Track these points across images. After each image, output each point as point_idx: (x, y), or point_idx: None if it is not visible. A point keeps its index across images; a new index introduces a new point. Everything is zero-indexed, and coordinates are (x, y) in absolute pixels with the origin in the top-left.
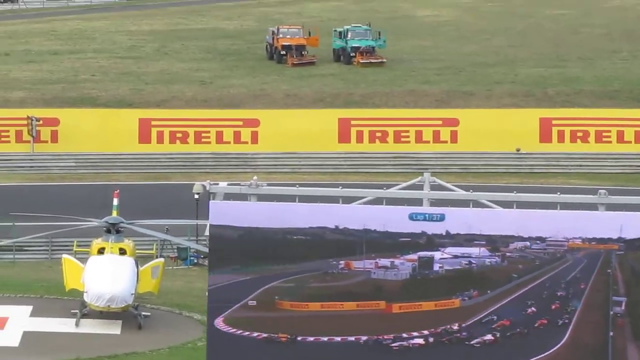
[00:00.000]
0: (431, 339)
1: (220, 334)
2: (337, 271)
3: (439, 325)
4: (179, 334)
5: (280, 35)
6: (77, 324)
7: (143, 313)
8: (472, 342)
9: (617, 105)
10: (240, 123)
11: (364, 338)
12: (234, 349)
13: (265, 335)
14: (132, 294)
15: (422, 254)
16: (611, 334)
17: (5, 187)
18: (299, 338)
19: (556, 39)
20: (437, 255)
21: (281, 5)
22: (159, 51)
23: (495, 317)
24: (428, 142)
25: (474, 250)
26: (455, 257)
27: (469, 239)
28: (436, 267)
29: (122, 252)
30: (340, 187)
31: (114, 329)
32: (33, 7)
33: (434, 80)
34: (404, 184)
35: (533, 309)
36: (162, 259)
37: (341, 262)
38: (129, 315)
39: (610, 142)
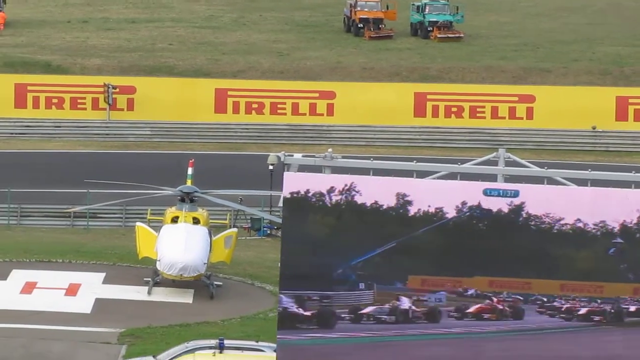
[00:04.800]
0: None
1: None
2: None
3: None
4: (251, 304)
5: (358, 8)
6: (149, 292)
7: (215, 282)
8: None
9: None
10: (317, 95)
11: None
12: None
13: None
14: (204, 263)
15: None
16: None
17: (81, 154)
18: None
19: (634, 17)
20: None
21: None
22: (237, 21)
23: None
24: (504, 118)
25: None
26: None
27: None
28: None
29: (196, 221)
30: (415, 162)
31: (186, 297)
32: None
33: (511, 56)
34: (479, 160)
35: None
36: (235, 229)
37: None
38: (201, 285)
39: None
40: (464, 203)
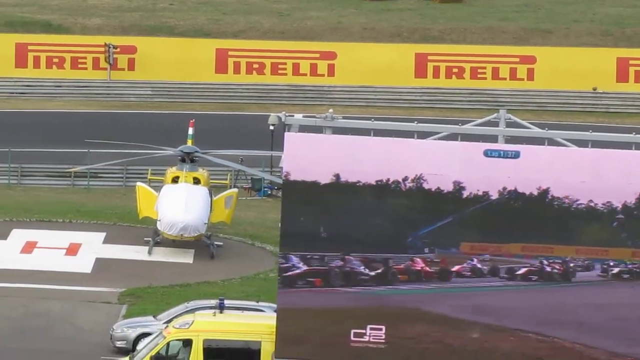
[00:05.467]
0: None
1: (292, 268)
2: None
3: None
4: (251, 265)
5: None
6: (149, 252)
7: (215, 242)
8: None
9: None
10: (317, 55)
11: None
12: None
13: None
14: (205, 223)
15: None
16: None
17: (81, 113)
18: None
19: None
20: None
21: None
22: None
23: None
24: (505, 79)
25: None
26: None
27: None
28: None
29: (196, 181)
30: (416, 122)
31: (186, 257)
32: None
33: (512, 17)
34: (480, 121)
35: None
36: (235, 189)
37: None
38: (202, 245)
39: None
40: (466, 164)
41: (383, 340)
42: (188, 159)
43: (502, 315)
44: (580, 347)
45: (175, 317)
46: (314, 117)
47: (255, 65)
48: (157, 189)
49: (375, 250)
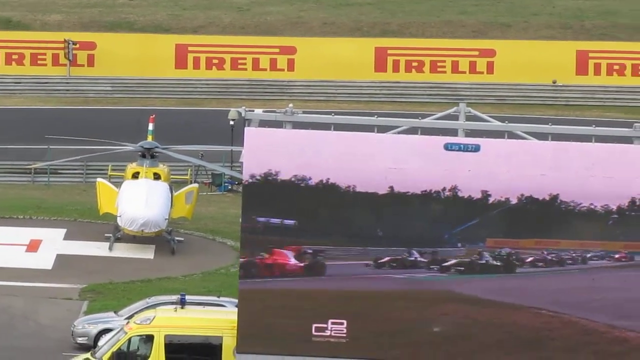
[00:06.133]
0: None
1: (253, 262)
2: None
3: None
4: (212, 260)
5: None
6: (110, 248)
7: (176, 238)
8: None
9: None
10: (277, 50)
11: None
12: (267, 276)
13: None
14: (165, 218)
15: None
16: None
17: (41, 110)
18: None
19: None
20: None
21: None
22: None
23: None
24: (464, 72)
25: None
26: None
27: None
28: None
29: (157, 176)
30: (376, 116)
31: (147, 253)
32: None
33: (471, 11)
34: (440, 114)
35: None
36: (196, 185)
37: None
38: (162, 240)
39: None
40: (426, 158)
41: (344, 335)
42: (148, 154)
43: None
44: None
45: (137, 312)
46: (274, 111)
47: (215, 61)
48: (118, 184)
49: (336, 243)
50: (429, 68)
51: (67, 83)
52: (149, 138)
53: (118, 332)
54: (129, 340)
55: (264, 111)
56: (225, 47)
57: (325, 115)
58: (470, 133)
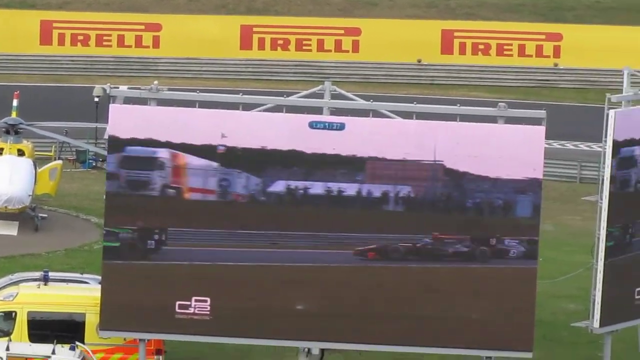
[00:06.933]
0: None
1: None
2: None
3: None
4: (76, 237)
5: None
6: None
7: (40, 215)
8: None
9: (520, 19)
10: (142, 27)
11: None
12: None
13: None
14: (29, 195)
15: None
16: None
17: None
18: None
19: None
20: None
21: None
22: None
23: None
24: (330, 51)
25: None
26: None
27: None
28: None
29: (21, 153)
30: (241, 94)
31: (10, 230)
32: None
33: None
34: (305, 92)
35: None
36: (60, 161)
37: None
38: (26, 217)
39: (511, 55)
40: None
41: (208, 312)
42: (12, 130)
43: None
44: None
45: (0, 289)
46: (138, 88)
47: (80, 37)
48: None
49: (201, 224)
50: (294, 46)
51: None
52: (13, 114)
53: None
54: None
55: (128, 88)
56: (90, 24)
57: (191, 93)
58: (335, 111)
